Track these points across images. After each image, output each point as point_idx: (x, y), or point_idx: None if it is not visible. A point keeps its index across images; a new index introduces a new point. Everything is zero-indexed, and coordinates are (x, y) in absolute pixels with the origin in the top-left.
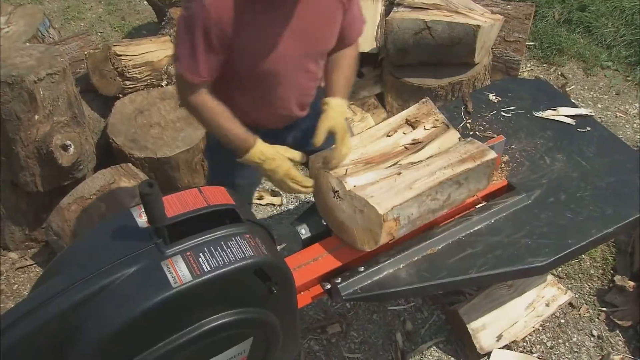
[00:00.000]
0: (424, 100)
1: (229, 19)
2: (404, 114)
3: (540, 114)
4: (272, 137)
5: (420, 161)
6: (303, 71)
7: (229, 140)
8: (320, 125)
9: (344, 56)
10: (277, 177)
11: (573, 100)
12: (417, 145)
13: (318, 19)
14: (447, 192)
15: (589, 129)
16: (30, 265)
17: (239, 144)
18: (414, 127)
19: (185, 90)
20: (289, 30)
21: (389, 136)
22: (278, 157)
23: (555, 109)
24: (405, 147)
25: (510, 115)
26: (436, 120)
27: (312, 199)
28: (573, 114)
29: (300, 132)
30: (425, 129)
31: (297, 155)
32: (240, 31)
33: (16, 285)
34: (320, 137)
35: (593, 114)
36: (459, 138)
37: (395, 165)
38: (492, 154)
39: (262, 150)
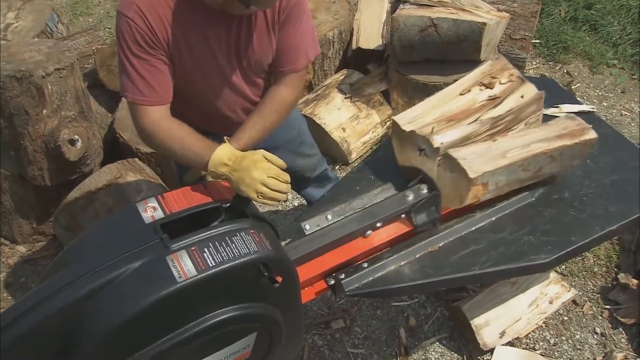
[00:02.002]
0: (497, 56)
1: (157, 27)
2: (478, 71)
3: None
4: None
5: (500, 116)
6: (244, 85)
7: (191, 157)
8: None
9: (269, 100)
10: (249, 178)
11: (578, 98)
12: (495, 100)
13: (249, 38)
14: (539, 165)
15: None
16: (38, 258)
17: (201, 153)
18: (489, 86)
19: (143, 123)
20: (220, 49)
21: (464, 94)
22: (247, 153)
23: (557, 106)
24: (483, 104)
25: None
26: (511, 75)
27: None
28: (575, 110)
29: (264, 144)
30: (500, 84)
31: (276, 158)
32: (171, 46)
33: (23, 278)
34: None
35: (595, 110)
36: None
37: (477, 121)
38: (592, 134)
39: (224, 153)
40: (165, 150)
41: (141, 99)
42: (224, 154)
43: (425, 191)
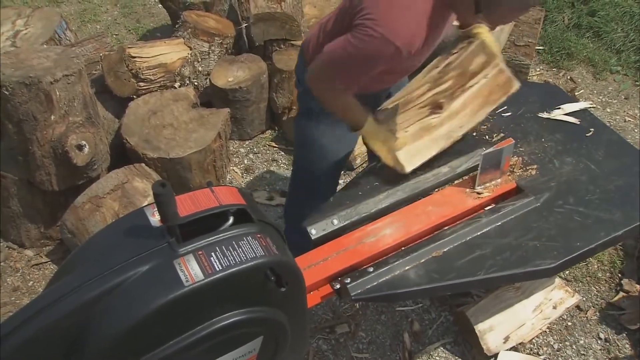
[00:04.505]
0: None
1: (414, 51)
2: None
3: (544, 114)
4: (373, 99)
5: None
6: None
7: (351, 116)
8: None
9: None
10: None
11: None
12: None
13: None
14: None
15: (592, 130)
16: (45, 262)
17: (359, 119)
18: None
19: (331, 93)
20: (438, 38)
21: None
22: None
23: (559, 108)
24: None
25: (519, 118)
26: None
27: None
28: (572, 110)
29: (386, 92)
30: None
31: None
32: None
33: (31, 282)
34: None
35: (593, 105)
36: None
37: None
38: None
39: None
40: (330, 109)
41: (351, 90)
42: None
43: None
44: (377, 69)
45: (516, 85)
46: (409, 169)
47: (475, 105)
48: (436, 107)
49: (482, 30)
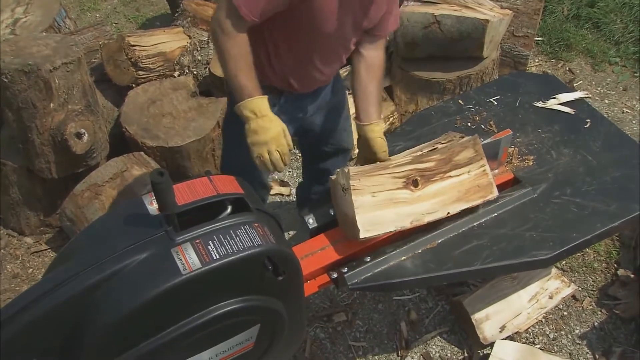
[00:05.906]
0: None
1: None
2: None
3: (539, 104)
4: (296, 103)
5: (424, 153)
6: (345, 42)
7: (237, 84)
8: (369, 156)
9: (377, 67)
10: (263, 138)
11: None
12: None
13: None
14: None
15: (589, 121)
16: (45, 250)
17: (244, 90)
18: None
19: (227, 25)
20: (350, 3)
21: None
22: (275, 119)
23: (554, 97)
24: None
25: (517, 109)
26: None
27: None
28: (568, 99)
29: (316, 107)
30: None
31: (289, 138)
32: None
33: (31, 269)
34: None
35: (588, 95)
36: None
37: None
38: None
39: (260, 105)
40: (223, 60)
41: (246, 13)
42: (259, 104)
43: None
44: None
45: (495, 193)
46: (363, 235)
47: (450, 198)
48: (411, 182)
49: (377, 128)
